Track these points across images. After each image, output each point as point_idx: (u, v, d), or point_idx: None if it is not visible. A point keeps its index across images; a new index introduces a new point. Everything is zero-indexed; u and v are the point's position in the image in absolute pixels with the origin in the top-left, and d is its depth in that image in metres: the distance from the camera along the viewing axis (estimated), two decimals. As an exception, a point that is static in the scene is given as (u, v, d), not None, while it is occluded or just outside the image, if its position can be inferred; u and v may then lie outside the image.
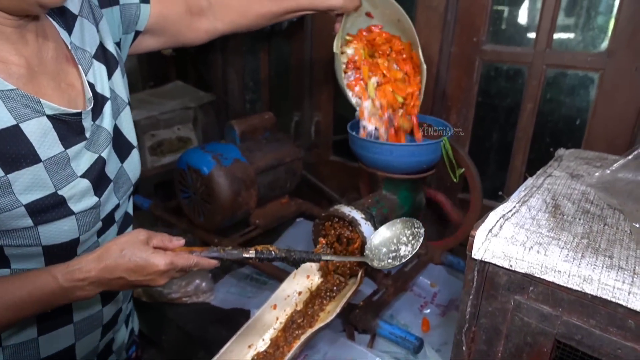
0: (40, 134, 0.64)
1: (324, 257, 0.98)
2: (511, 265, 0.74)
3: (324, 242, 1.17)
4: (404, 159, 1.18)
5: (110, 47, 0.80)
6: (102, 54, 0.77)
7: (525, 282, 0.74)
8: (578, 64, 1.37)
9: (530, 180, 0.99)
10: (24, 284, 0.63)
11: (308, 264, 1.25)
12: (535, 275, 0.72)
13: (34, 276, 0.64)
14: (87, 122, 0.71)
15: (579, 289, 0.67)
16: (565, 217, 0.83)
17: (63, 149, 0.67)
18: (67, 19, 0.74)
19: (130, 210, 0.89)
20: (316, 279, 1.22)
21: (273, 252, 0.85)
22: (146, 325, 1.61)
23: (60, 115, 0.66)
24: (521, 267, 0.73)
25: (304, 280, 1.23)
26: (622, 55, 1.29)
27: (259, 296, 1.48)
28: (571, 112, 1.44)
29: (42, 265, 0.68)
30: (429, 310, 1.39)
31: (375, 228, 1.17)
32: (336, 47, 1.20)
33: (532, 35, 1.44)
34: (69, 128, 0.68)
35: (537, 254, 0.71)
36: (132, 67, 2.75)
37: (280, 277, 1.32)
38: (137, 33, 0.89)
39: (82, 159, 0.70)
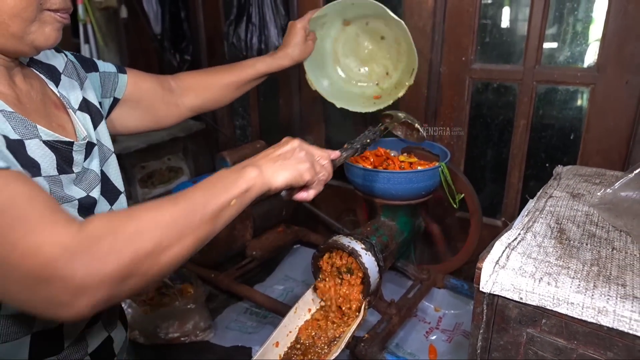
0: (40, 155, 0.64)
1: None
2: (521, 298, 0.72)
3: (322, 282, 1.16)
4: (401, 186, 1.16)
5: (95, 102, 0.83)
6: (85, 106, 0.80)
7: (537, 314, 0.72)
8: (568, 79, 1.37)
9: (531, 203, 0.98)
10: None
11: (309, 297, 1.22)
12: (547, 307, 0.69)
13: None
14: (77, 156, 0.71)
15: (594, 321, 0.65)
16: (571, 242, 0.81)
17: (57, 174, 0.67)
18: (53, 73, 0.76)
19: None
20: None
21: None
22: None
23: (54, 143, 0.67)
24: (532, 300, 0.71)
25: (305, 314, 1.20)
26: (612, 69, 1.30)
27: (260, 331, 1.44)
28: (565, 127, 1.44)
29: None
30: (435, 337, 1.36)
31: (376, 258, 1.14)
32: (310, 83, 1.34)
33: (520, 52, 1.44)
34: (60, 156, 0.68)
35: (548, 286, 0.69)
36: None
37: (279, 310, 1.28)
38: (116, 101, 0.92)
39: (73, 190, 0.70)
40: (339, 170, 1.14)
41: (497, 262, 0.76)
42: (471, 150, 1.65)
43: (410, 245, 1.44)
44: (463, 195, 1.29)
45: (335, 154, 0.88)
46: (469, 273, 1.62)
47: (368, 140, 1.03)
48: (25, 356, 0.65)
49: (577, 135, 1.42)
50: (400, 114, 1.29)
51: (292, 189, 0.77)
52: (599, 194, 0.97)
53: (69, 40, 3.05)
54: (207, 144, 2.48)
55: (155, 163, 2.19)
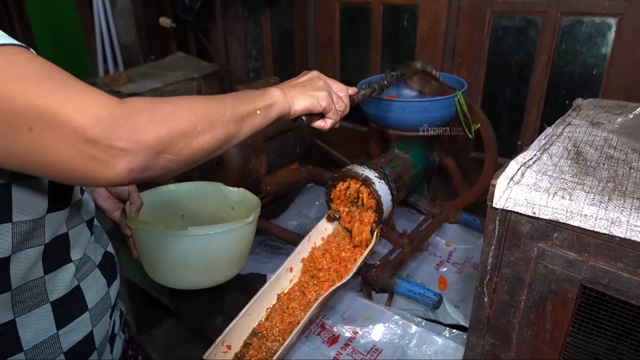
0: None
1: None
2: (534, 212, 0.72)
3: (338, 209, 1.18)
4: (416, 116, 1.15)
5: None
6: None
7: (549, 228, 0.72)
8: (595, 9, 1.31)
9: (549, 130, 0.97)
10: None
11: (322, 226, 1.25)
12: (560, 221, 0.70)
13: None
14: None
15: (607, 232, 0.66)
16: (588, 162, 0.81)
17: None
18: None
19: None
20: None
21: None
22: (164, 295, 1.62)
23: None
24: (545, 214, 0.71)
25: (319, 242, 1.23)
26: (642, -2, 1.24)
27: (274, 261, 1.48)
28: (588, 62, 1.39)
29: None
30: (445, 269, 1.39)
31: (390, 187, 1.15)
32: None
33: (546, -18, 1.38)
34: None
35: (562, 199, 0.70)
36: (131, 41, 2.70)
37: (294, 241, 1.31)
38: None
39: None
40: (354, 112, 1.14)
41: (511, 179, 0.76)
42: (488, 89, 1.62)
43: (424, 180, 1.45)
44: (479, 125, 1.28)
45: (353, 89, 0.93)
46: (483, 209, 1.62)
47: (385, 82, 1.06)
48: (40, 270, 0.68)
49: (600, 71, 1.38)
50: (417, 64, 1.29)
51: (311, 115, 0.81)
52: (619, 119, 0.95)
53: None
54: (220, 86, 2.47)
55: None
